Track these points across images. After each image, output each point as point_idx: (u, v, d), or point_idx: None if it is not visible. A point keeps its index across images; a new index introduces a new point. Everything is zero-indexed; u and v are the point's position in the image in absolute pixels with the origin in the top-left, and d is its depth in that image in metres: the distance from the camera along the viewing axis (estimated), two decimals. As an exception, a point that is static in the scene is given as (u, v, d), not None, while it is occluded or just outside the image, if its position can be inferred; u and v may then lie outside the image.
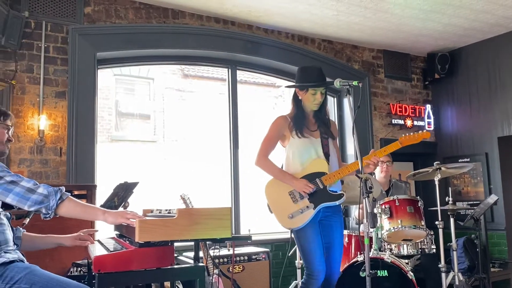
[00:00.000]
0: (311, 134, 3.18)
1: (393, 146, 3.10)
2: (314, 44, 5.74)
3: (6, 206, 2.36)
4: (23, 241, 2.54)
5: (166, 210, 2.37)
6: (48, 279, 2.16)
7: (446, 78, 6.36)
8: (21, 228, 2.59)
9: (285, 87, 5.18)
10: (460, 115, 6.30)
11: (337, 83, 2.90)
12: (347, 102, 3.50)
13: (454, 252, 4.05)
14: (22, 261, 2.26)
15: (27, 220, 2.70)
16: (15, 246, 2.34)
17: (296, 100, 3.24)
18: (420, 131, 3.18)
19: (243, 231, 4.99)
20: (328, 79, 3.23)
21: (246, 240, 2.59)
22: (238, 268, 3.99)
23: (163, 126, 8.21)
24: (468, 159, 6.02)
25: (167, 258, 2.11)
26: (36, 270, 2.19)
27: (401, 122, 6.24)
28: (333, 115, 5.99)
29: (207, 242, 3.44)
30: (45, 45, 4.20)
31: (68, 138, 4.19)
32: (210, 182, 5.26)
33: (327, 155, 3.15)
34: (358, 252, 3.91)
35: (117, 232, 2.79)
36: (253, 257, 4.12)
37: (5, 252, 2.18)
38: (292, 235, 3.15)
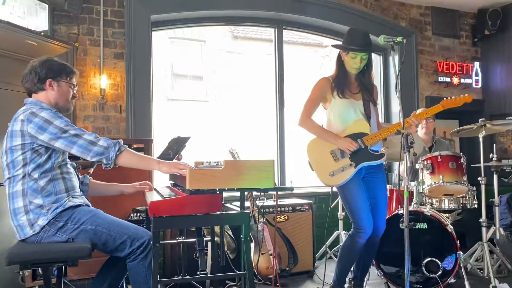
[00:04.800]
0: (352, 96, 3.09)
1: (435, 108, 3.04)
2: (361, 1, 5.50)
3: (73, 157, 2.51)
4: (90, 188, 2.71)
5: (215, 162, 2.44)
6: (110, 221, 2.30)
7: (496, 35, 5.94)
8: (88, 176, 2.75)
9: (331, 45, 5.06)
10: (510, 72, 5.91)
11: (381, 39, 2.79)
12: (392, 61, 3.37)
13: (496, 208, 3.92)
14: (87, 205, 2.41)
15: (91, 170, 2.86)
16: (81, 192, 2.49)
17: (339, 61, 3.13)
18: (462, 95, 3.04)
19: (288, 185, 5.04)
20: (373, 39, 3.09)
21: (288, 191, 2.61)
22: (283, 217, 4.06)
23: (214, 87, 8.29)
24: (516, 117, 5.69)
25: (215, 205, 2.17)
26: (99, 213, 2.34)
27: (448, 79, 5.94)
28: (379, 74, 5.79)
29: (254, 193, 3.52)
30: (104, 9, 4.28)
31: (127, 97, 4.32)
32: (258, 139, 5.31)
33: (368, 117, 3.08)
34: (399, 206, 3.87)
35: (172, 182, 2.91)
36: (297, 208, 4.18)
37: (72, 197, 2.33)
38: (336, 191, 3.14)
